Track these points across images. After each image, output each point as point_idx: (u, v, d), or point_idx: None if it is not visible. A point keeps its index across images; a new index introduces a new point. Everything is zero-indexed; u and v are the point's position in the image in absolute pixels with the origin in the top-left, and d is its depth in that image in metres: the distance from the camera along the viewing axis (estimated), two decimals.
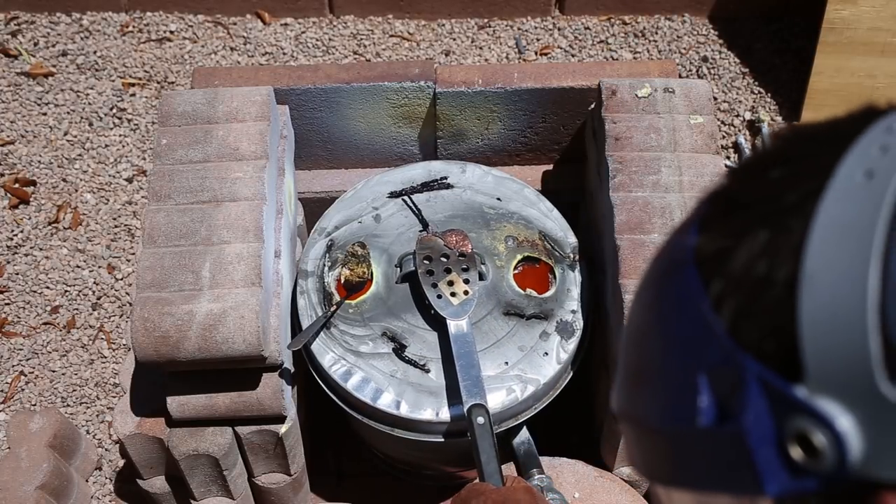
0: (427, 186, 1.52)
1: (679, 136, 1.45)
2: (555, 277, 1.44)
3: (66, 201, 2.27)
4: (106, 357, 2.06)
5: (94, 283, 2.15)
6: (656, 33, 2.57)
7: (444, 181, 1.53)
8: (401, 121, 1.64)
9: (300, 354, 1.52)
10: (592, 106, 1.59)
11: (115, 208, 2.26)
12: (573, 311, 1.41)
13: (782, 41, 2.52)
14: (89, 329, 2.09)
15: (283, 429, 1.42)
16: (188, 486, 1.47)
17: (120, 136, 2.38)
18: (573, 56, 2.54)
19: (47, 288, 2.14)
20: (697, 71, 2.49)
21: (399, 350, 1.37)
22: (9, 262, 2.18)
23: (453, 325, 1.33)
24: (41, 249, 2.20)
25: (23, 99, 2.44)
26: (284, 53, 2.53)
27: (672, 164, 1.42)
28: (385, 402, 1.33)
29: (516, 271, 1.45)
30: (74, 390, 2.01)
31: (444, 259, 1.39)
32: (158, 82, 2.48)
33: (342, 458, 1.79)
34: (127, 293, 2.13)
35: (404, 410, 1.32)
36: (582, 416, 1.74)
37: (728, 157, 2.36)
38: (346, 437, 1.79)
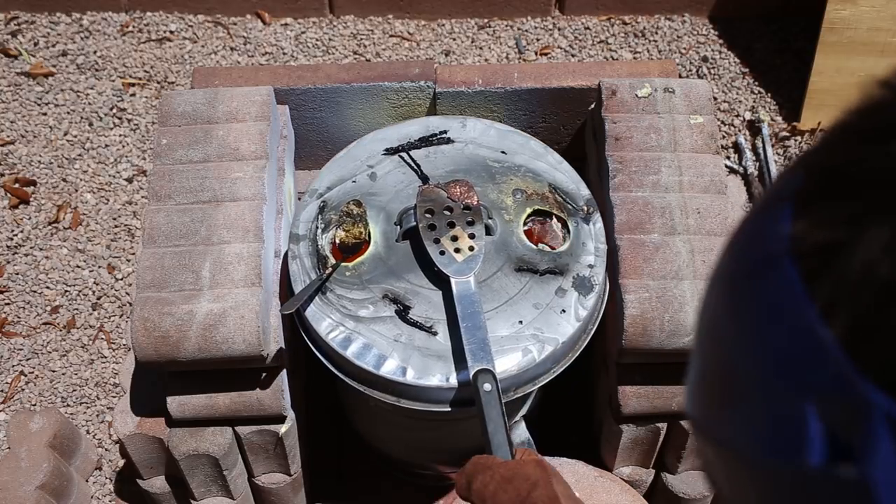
0: (426, 142, 1.43)
1: (679, 136, 1.45)
2: (568, 231, 1.35)
3: (66, 201, 2.27)
4: (106, 357, 2.06)
5: (94, 283, 2.15)
6: (656, 33, 2.57)
7: (444, 136, 1.44)
8: (401, 121, 1.64)
9: (300, 353, 1.52)
10: (592, 106, 1.59)
11: (115, 208, 2.26)
12: (590, 266, 1.32)
13: (782, 41, 2.52)
14: (89, 329, 2.09)
15: (283, 429, 1.42)
16: (188, 486, 1.47)
17: (120, 136, 2.38)
18: (573, 56, 2.54)
19: (47, 288, 2.14)
20: (697, 71, 2.49)
21: (402, 312, 1.27)
22: (9, 262, 2.18)
23: (457, 284, 1.23)
24: (41, 249, 2.20)
25: (23, 99, 2.44)
26: (284, 53, 2.53)
27: (672, 164, 1.42)
28: (389, 369, 1.23)
29: (525, 227, 1.36)
30: (74, 390, 2.01)
31: (447, 212, 1.30)
32: (158, 82, 2.48)
33: (342, 458, 1.79)
34: (127, 293, 2.13)
35: (411, 377, 1.23)
36: (582, 416, 1.74)
37: (728, 157, 2.36)
38: (346, 437, 1.79)
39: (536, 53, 2.55)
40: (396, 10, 2.59)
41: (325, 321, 1.27)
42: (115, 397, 2.00)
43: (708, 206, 1.39)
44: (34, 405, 1.99)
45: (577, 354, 1.31)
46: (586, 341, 1.32)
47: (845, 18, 2.22)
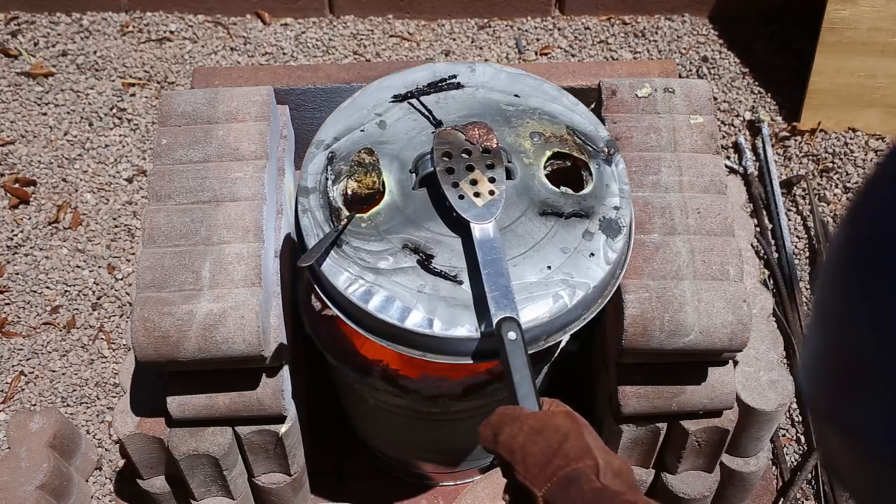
0: (435, 87, 1.38)
1: (679, 136, 1.45)
2: (590, 174, 1.31)
3: (66, 201, 2.27)
4: (106, 357, 2.06)
5: (94, 283, 2.15)
6: (656, 33, 2.57)
7: (454, 80, 1.39)
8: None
9: (301, 353, 1.52)
10: (592, 106, 1.59)
11: (115, 208, 2.26)
12: (616, 208, 1.28)
13: (782, 41, 2.52)
14: (89, 329, 2.09)
15: (283, 429, 1.42)
16: (188, 486, 1.47)
17: (120, 136, 2.38)
18: (573, 56, 2.54)
19: (47, 288, 2.14)
20: (697, 71, 2.49)
21: (425, 262, 1.22)
22: (9, 262, 2.18)
23: (478, 229, 1.18)
24: (41, 249, 2.20)
25: (23, 99, 2.44)
26: (284, 53, 2.53)
27: (672, 164, 1.42)
28: (415, 321, 1.18)
29: (546, 171, 1.32)
30: (74, 390, 2.01)
31: (465, 156, 1.24)
32: (158, 82, 2.48)
33: (342, 458, 1.79)
34: (127, 293, 2.13)
35: (438, 328, 1.17)
36: (582, 415, 1.73)
37: (728, 157, 2.36)
38: (346, 437, 1.79)
39: (536, 53, 2.55)
40: (396, 10, 2.59)
41: (342, 275, 1.21)
42: (115, 397, 2.00)
43: (708, 206, 1.39)
44: (34, 405, 1.99)
45: (606, 300, 1.27)
46: (615, 287, 1.29)
47: (845, 18, 2.22)
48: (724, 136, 2.40)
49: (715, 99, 2.43)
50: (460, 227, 1.24)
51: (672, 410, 1.42)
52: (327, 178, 1.29)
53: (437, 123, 1.33)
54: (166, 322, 1.25)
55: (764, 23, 2.56)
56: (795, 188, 2.30)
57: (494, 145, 1.26)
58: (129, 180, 2.31)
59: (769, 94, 2.44)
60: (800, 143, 2.36)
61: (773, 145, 2.36)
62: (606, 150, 1.33)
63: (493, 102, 1.37)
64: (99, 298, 2.13)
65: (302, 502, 1.65)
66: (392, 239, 1.24)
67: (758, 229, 2.22)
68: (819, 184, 2.30)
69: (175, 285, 1.29)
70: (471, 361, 1.20)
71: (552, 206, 1.27)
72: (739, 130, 2.40)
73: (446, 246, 1.23)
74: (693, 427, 1.45)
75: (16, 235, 2.21)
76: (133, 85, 2.47)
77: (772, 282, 2.14)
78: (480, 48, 2.56)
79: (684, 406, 1.41)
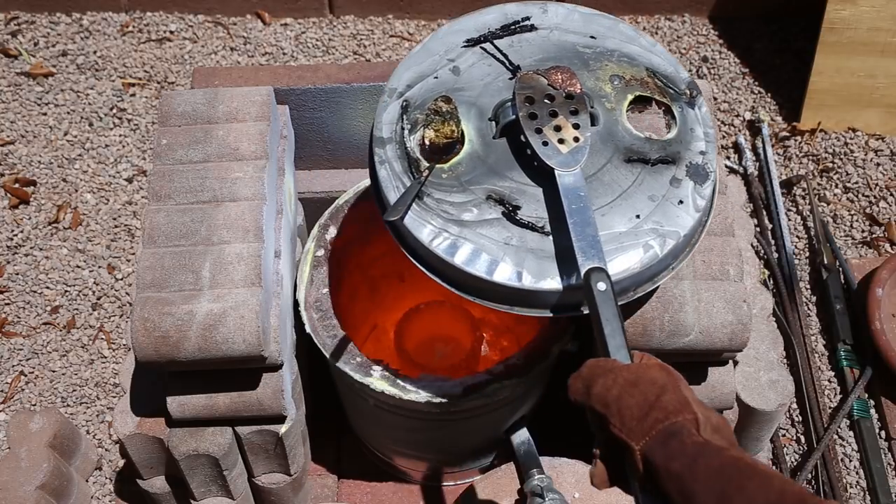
0: (507, 30, 1.32)
1: None
2: (674, 118, 1.27)
3: (66, 201, 2.27)
4: (106, 357, 2.06)
5: (94, 283, 2.15)
6: (656, 33, 2.57)
7: (527, 23, 1.33)
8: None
9: (301, 353, 1.52)
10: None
11: (115, 208, 2.26)
12: (702, 153, 1.24)
13: (782, 41, 2.52)
14: (89, 329, 2.09)
15: (283, 429, 1.42)
16: (188, 486, 1.47)
17: (120, 136, 2.38)
18: None
19: (47, 288, 2.14)
20: (697, 71, 2.49)
21: (511, 213, 1.18)
22: (9, 262, 2.18)
23: (562, 177, 1.14)
24: (41, 249, 2.20)
25: (23, 99, 2.44)
26: (284, 53, 2.53)
27: None
28: (504, 275, 1.14)
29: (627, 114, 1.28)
30: (74, 390, 2.01)
31: (548, 101, 1.20)
32: (158, 82, 2.48)
33: (342, 458, 1.79)
34: (127, 293, 2.13)
35: (528, 282, 1.14)
36: (582, 416, 1.73)
37: (728, 157, 2.36)
38: (346, 437, 1.79)
39: None
40: (396, 10, 2.60)
41: (425, 228, 1.17)
42: (115, 397, 2.00)
43: None
44: (34, 405, 1.99)
45: (693, 249, 1.23)
46: (702, 235, 1.24)
47: (845, 18, 2.22)
48: (724, 137, 2.40)
49: (715, 99, 2.43)
50: (544, 176, 1.19)
51: None
52: (403, 128, 1.25)
53: (515, 68, 1.28)
54: (166, 322, 1.25)
55: (764, 23, 2.56)
56: (795, 188, 2.30)
57: (578, 90, 1.21)
58: (129, 180, 2.31)
59: (769, 94, 2.44)
60: (800, 143, 2.36)
61: (773, 145, 2.36)
62: (689, 92, 1.29)
63: (568, 45, 1.31)
64: (99, 298, 2.13)
65: (302, 502, 1.65)
66: (475, 190, 1.20)
67: (758, 229, 2.22)
68: (819, 184, 2.30)
69: (175, 285, 1.29)
70: (550, 315, 1.17)
71: (638, 153, 1.23)
72: (739, 130, 2.40)
73: (531, 196, 1.19)
74: None
75: (16, 235, 2.21)
76: (133, 85, 2.47)
77: (772, 282, 2.14)
78: None
79: None
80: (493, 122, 1.24)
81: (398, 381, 1.41)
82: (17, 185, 2.28)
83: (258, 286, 1.29)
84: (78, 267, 2.17)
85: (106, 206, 2.27)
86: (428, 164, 1.21)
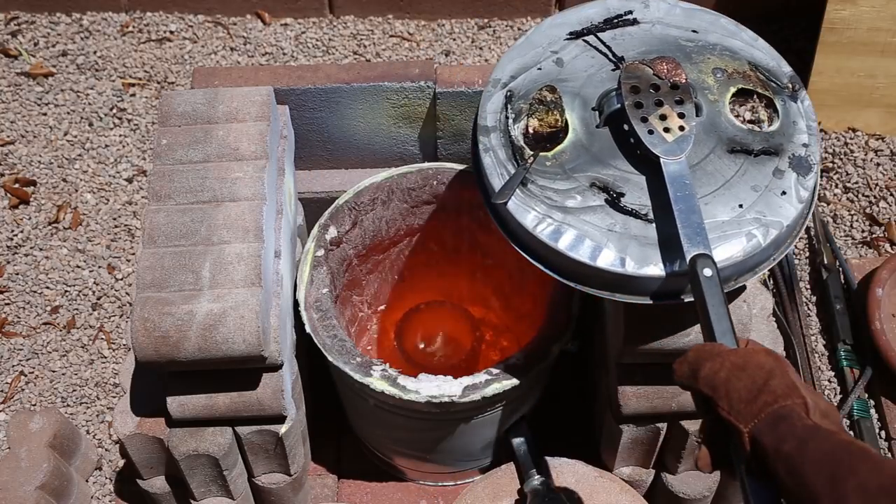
0: (610, 23, 1.35)
1: None
2: (776, 110, 1.29)
3: (66, 201, 2.27)
4: (106, 357, 2.06)
5: (94, 283, 2.15)
6: None
7: (629, 16, 1.36)
8: (401, 121, 1.64)
9: (301, 353, 1.52)
10: None
11: (115, 208, 2.26)
12: (804, 145, 1.26)
13: (782, 41, 2.52)
14: (89, 329, 2.09)
15: (283, 429, 1.42)
16: (188, 486, 1.47)
17: (120, 136, 2.38)
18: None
19: (47, 288, 2.15)
20: None
21: (615, 200, 1.21)
22: (9, 262, 2.18)
23: (668, 165, 1.17)
24: (41, 249, 2.20)
25: (23, 99, 2.44)
26: (284, 53, 2.53)
27: None
28: (608, 260, 1.17)
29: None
30: (74, 390, 2.01)
31: (653, 91, 1.23)
32: (158, 82, 2.48)
33: (342, 458, 1.79)
34: (127, 293, 2.13)
35: (631, 267, 1.16)
36: (582, 416, 1.74)
37: None
38: (345, 437, 1.79)
39: None
40: (396, 10, 2.60)
41: (529, 214, 1.21)
42: (115, 397, 2.00)
43: None
44: (34, 405, 1.99)
45: (795, 241, 1.26)
46: (804, 226, 1.28)
47: (845, 18, 2.22)
48: None
49: None
50: (647, 165, 1.22)
51: (672, 410, 1.42)
52: (507, 117, 1.28)
53: (618, 60, 1.31)
54: (166, 322, 1.25)
55: (764, 23, 2.55)
56: None
57: (683, 81, 1.24)
58: (129, 180, 2.31)
59: None
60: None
61: None
62: (791, 85, 1.31)
63: (671, 38, 1.35)
64: (99, 298, 2.13)
65: (302, 502, 1.65)
66: (579, 177, 1.23)
67: None
68: (819, 184, 2.30)
69: (175, 285, 1.29)
70: (650, 301, 1.20)
71: (741, 144, 1.26)
72: None
73: (634, 184, 1.22)
74: (693, 427, 1.45)
75: (16, 235, 2.21)
76: (133, 85, 2.47)
77: (772, 282, 2.14)
78: (480, 48, 2.56)
79: (684, 406, 1.41)
80: (597, 112, 1.27)
81: (398, 381, 1.41)
82: (17, 185, 2.28)
83: (258, 286, 1.29)
84: (78, 267, 2.17)
85: (106, 206, 2.27)
86: (532, 152, 1.24)
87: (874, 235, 2.21)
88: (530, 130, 1.27)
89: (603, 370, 1.54)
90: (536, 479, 1.49)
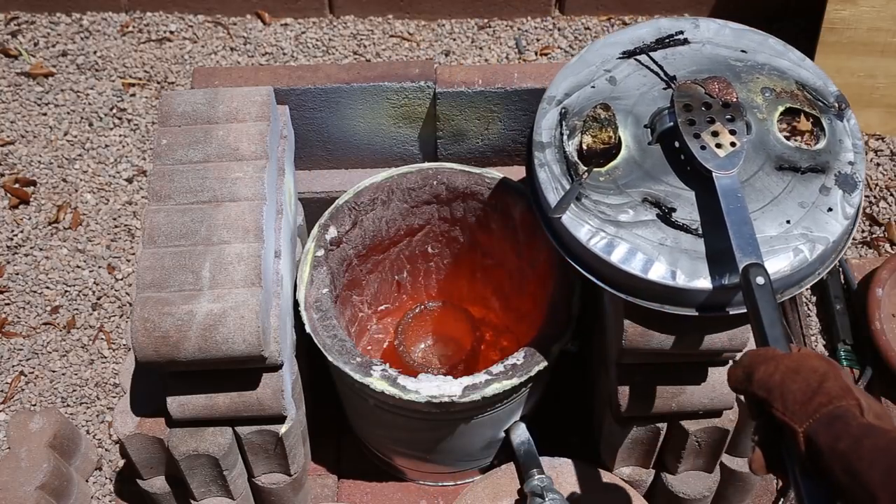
0: (661, 43, 1.40)
1: None
2: (822, 129, 1.33)
3: (66, 201, 2.27)
4: (106, 357, 2.06)
5: (94, 283, 2.15)
6: None
7: (680, 37, 1.41)
8: (401, 121, 1.64)
9: (301, 353, 1.52)
10: None
11: (115, 208, 2.26)
12: (850, 163, 1.30)
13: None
14: (89, 329, 2.09)
15: (283, 429, 1.42)
16: (188, 486, 1.47)
17: (120, 136, 2.38)
18: (573, 56, 2.54)
19: (47, 288, 2.15)
20: None
21: (667, 215, 1.25)
22: (9, 262, 2.18)
23: (720, 179, 1.21)
24: (41, 249, 2.20)
25: (23, 99, 2.44)
26: (284, 53, 2.53)
27: None
28: (659, 273, 1.21)
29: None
30: (74, 390, 2.01)
31: (705, 109, 1.28)
32: (158, 82, 2.48)
33: (342, 458, 1.79)
34: (127, 293, 2.13)
35: (681, 280, 1.21)
36: (582, 416, 1.74)
37: None
38: (346, 437, 1.79)
39: (536, 53, 2.56)
40: (396, 10, 2.60)
41: (583, 227, 1.25)
42: (115, 397, 2.00)
43: None
44: (34, 405, 1.99)
45: (839, 256, 1.30)
46: (848, 242, 1.31)
47: (845, 18, 2.22)
48: None
49: None
50: (697, 181, 1.26)
51: (672, 410, 1.42)
52: (562, 133, 1.32)
53: (670, 79, 1.35)
54: (166, 322, 1.25)
55: (764, 23, 2.55)
56: None
57: (734, 99, 1.28)
58: (129, 180, 2.31)
59: None
60: (799, 142, 2.36)
61: None
62: (837, 105, 1.35)
63: (720, 58, 1.39)
64: (99, 298, 2.13)
65: (302, 502, 1.65)
66: (631, 193, 1.27)
67: None
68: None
69: (175, 285, 1.29)
70: (696, 313, 1.23)
71: (788, 161, 1.29)
72: None
73: (685, 200, 1.26)
74: (693, 427, 1.45)
75: (16, 235, 2.21)
76: (133, 85, 2.47)
77: None
78: (480, 48, 2.56)
79: (684, 406, 1.41)
80: (649, 129, 1.32)
81: (398, 381, 1.41)
82: (17, 185, 2.28)
83: (258, 286, 1.29)
84: (78, 267, 2.17)
85: (106, 206, 2.27)
86: (586, 168, 1.28)
87: (874, 235, 2.21)
88: (584, 147, 1.31)
89: (603, 370, 1.54)
90: (536, 479, 1.49)
